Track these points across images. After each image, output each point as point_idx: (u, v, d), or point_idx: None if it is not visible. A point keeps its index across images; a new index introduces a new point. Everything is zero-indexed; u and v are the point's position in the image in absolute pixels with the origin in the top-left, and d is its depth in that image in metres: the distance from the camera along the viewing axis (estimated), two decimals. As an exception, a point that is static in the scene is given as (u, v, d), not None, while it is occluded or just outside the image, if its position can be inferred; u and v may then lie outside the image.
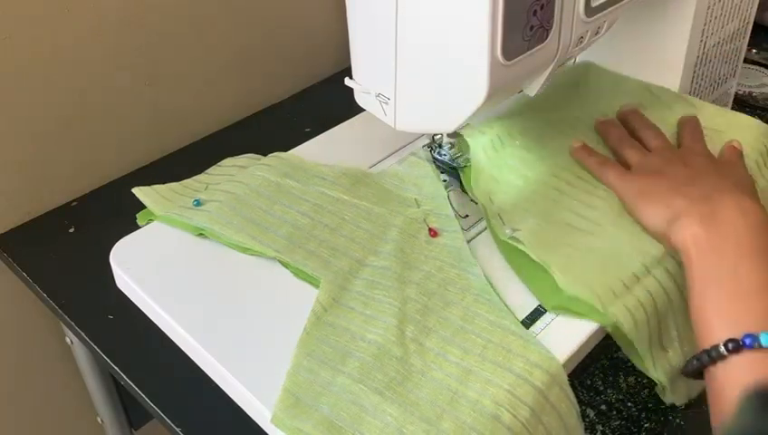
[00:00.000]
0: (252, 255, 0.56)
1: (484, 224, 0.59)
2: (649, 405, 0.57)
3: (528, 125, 0.65)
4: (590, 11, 0.54)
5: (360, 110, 0.61)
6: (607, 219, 0.56)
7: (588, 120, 0.66)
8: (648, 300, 0.50)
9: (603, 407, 0.57)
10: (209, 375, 0.50)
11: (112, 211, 0.72)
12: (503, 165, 0.61)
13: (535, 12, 0.49)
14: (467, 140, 0.63)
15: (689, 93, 0.71)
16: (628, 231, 0.54)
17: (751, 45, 0.84)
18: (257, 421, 0.47)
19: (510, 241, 0.54)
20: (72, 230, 0.71)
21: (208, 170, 0.69)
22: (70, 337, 0.74)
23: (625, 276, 0.51)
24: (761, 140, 0.62)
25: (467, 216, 0.60)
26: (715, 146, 0.60)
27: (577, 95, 0.69)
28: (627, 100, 0.67)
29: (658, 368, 0.50)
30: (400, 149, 0.67)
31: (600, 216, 0.56)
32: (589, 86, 0.70)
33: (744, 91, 0.88)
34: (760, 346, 0.41)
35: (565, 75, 0.71)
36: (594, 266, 0.51)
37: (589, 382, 0.59)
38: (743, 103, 0.87)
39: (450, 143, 0.66)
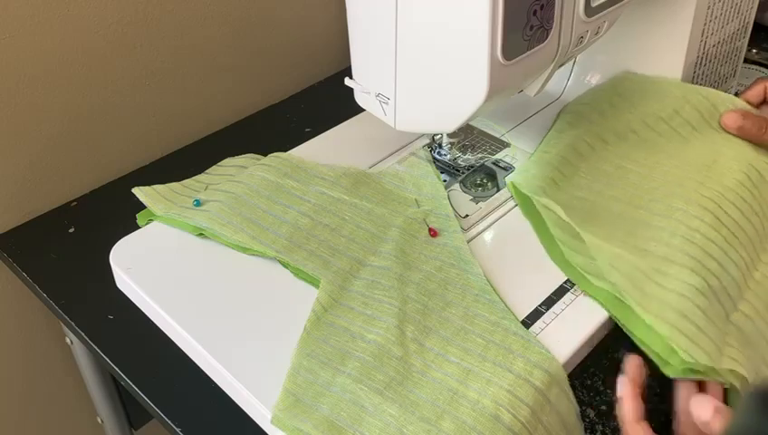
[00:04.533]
0: (252, 255, 0.56)
1: (484, 224, 0.59)
2: (649, 405, 0.57)
3: (581, 146, 0.62)
4: (590, 11, 0.54)
5: (360, 110, 0.61)
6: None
7: (640, 125, 0.64)
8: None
9: (603, 407, 0.57)
10: (209, 375, 0.50)
11: (112, 211, 0.72)
12: (571, 204, 0.57)
13: (535, 12, 0.49)
14: (522, 190, 0.58)
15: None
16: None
17: (751, 45, 0.84)
18: (257, 421, 0.47)
19: (613, 292, 0.50)
20: (72, 230, 0.71)
21: (208, 170, 0.69)
22: (70, 337, 0.74)
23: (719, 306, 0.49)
24: None
25: (467, 215, 0.60)
26: None
27: (621, 100, 0.66)
28: (672, 99, 0.65)
29: None
30: (400, 149, 0.67)
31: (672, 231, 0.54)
32: (630, 91, 0.68)
33: (744, 91, 0.88)
34: None
35: (602, 86, 0.69)
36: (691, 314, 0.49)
37: (589, 382, 0.59)
38: (743, 103, 0.87)
39: (450, 143, 0.66)
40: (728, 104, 0.65)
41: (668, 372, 0.47)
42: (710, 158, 0.60)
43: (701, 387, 0.48)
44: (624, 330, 0.50)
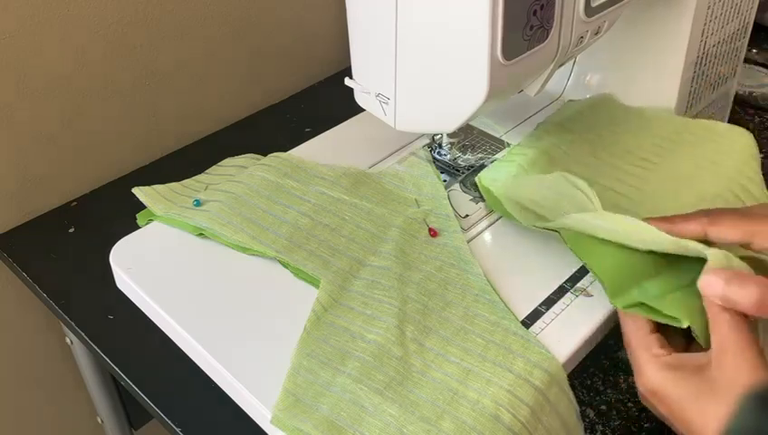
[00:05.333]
0: (252, 255, 0.56)
1: (484, 224, 0.59)
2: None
3: (555, 151, 0.62)
4: (590, 11, 0.54)
5: (360, 110, 0.61)
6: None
7: (613, 137, 0.64)
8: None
9: (603, 407, 0.57)
10: (209, 375, 0.50)
11: (112, 211, 0.72)
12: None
13: (535, 12, 0.49)
14: (488, 187, 0.59)
15: (689, 94, 0.71)
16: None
17: (751, 45, 0.84)
18: (257, 421, 0.47)
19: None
20: (72, 230, 0.71)
21: (208, 170, 0.69)
22: (70, 337, 0.74)
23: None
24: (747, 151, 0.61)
25: (467, 215, 0.60)
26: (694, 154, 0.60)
27: (594, 119, 0.67)
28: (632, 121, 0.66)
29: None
30: (400, 149, 0.67)
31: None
32: (603, 110, 0.69)
33: (744, 91, 0.88)
34: None
35: (581, 104, 0.70)
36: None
37: (589, 382, 0.59)
38: (743, 103, 0.87)
39: (450, 143, 0.66)
40: (697, 129, 0.65)
41: (618, 303, 0.45)
42: (687, 172, 0.60)
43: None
44: (580, 259, 0.49)
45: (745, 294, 0.40)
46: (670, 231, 0.47)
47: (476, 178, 0.61)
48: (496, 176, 0.60)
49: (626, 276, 0.47)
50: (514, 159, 0.61)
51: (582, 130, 0.66)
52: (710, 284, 0.42)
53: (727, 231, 0.45)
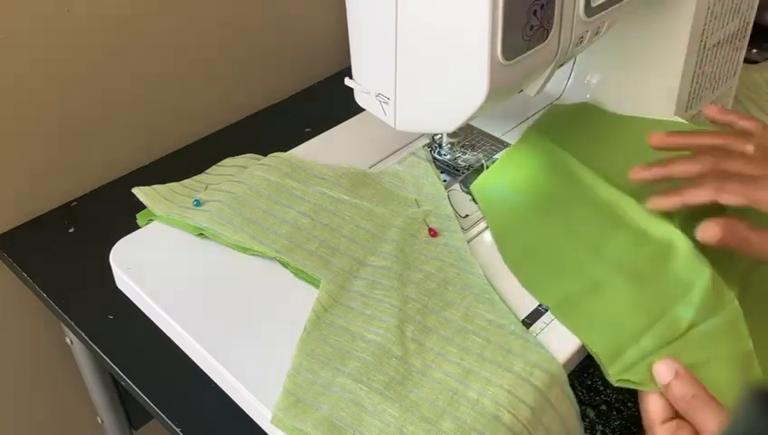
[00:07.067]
0: (252, 255, 0.56)
1: (484, 224, 0.59)
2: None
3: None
4: (590, 11, 0.54)
5: (360, 110, 0.61)
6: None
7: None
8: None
9: (603, 407, 0.57)
10: (209, 375, 0.50)
11: (112, 211, 0.72)
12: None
13: (535, 12, 0.49)
14: (476, 194, 0.61)
15: (689, 94, 0.71)
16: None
17: (751, 45, 0.84)
18: (257, 421, 0.47)
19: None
20: (72, 230, 0.71)
21: (208, 170, 0.69)
22: (70, 337, 0.74)
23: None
24: None
25: (467, 215, 0.60)
26: None
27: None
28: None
29: None
30: (400, 149, 0.67)
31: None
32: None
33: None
34: None
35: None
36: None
37: (589, 382, 0.59)
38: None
39: (450, 143, 0.66)
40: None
41: (614, 372, 0.47)
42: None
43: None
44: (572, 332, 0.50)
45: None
46: (681, 202, 0.53)
47: (471, 188, 0.61)
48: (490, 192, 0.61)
49: (620, 336, 0.48)
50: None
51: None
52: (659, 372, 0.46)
53: (733, 197, 0.51)
